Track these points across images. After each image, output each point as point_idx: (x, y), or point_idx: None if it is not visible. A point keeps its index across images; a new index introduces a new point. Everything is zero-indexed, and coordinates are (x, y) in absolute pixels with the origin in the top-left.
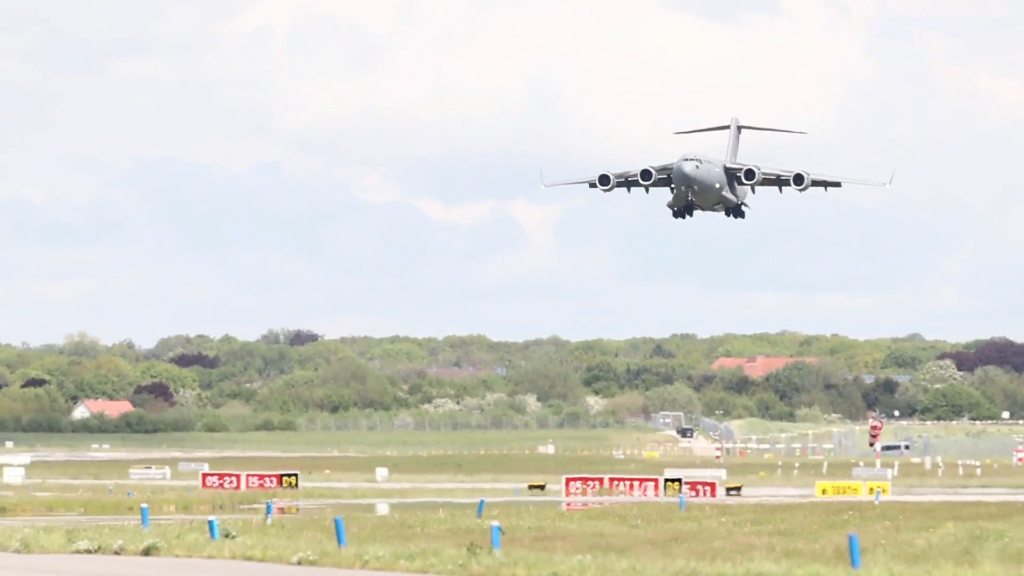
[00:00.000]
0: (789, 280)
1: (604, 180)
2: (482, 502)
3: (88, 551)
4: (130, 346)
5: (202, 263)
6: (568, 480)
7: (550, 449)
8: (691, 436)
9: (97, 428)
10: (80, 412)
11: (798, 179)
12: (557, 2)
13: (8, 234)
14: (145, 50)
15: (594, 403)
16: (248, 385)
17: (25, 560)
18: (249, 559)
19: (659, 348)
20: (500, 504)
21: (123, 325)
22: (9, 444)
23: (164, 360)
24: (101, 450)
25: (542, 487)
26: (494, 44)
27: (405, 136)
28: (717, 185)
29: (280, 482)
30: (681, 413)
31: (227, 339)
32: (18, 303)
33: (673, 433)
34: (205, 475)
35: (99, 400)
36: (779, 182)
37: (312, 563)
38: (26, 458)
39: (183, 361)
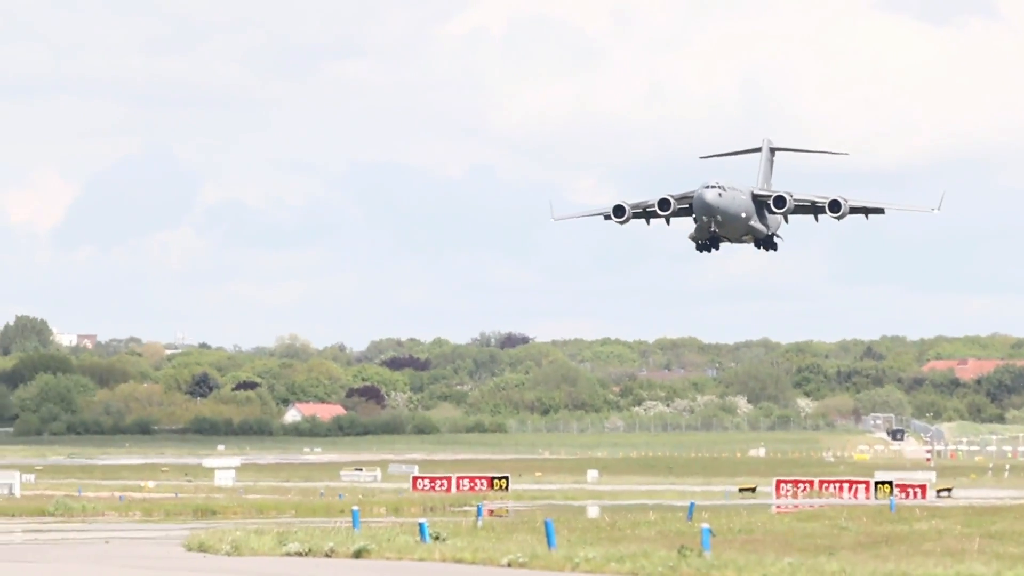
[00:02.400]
0: (1001, 282)
1: (619, 211)
2: (692, 504)
3: (299, 554)
4: (341, 349)
5: (414, 266)
6: (778, 482)
7: (761, 452)
8: (901, 438)
9: (308, 431)
10: (291, 415)
11: (834, 206)
12: (772, 4)
13: (223, 237)
14: (360, 53)
15: (804, 405)
16: (459, 388)
17: (236, 563)
18: (459, 561)
19: (869, 350)
20: (710, 507)
21: (335, 328)
22: (220, 447)
23: (375, 363)
24: (312, 453)
25: (752, 490)
26: (708, 46)
27: (619, 138)
28: (743, 215)
29: (491, 484)
30: (892, 415)
31: (438, 342)
32: (231, 306)
33: (883, 435)
34: (416, 477)
35: (310, 403)
36: (814, 209)
37: (522, 565)
38: (237, 461)
39: (394, 364)
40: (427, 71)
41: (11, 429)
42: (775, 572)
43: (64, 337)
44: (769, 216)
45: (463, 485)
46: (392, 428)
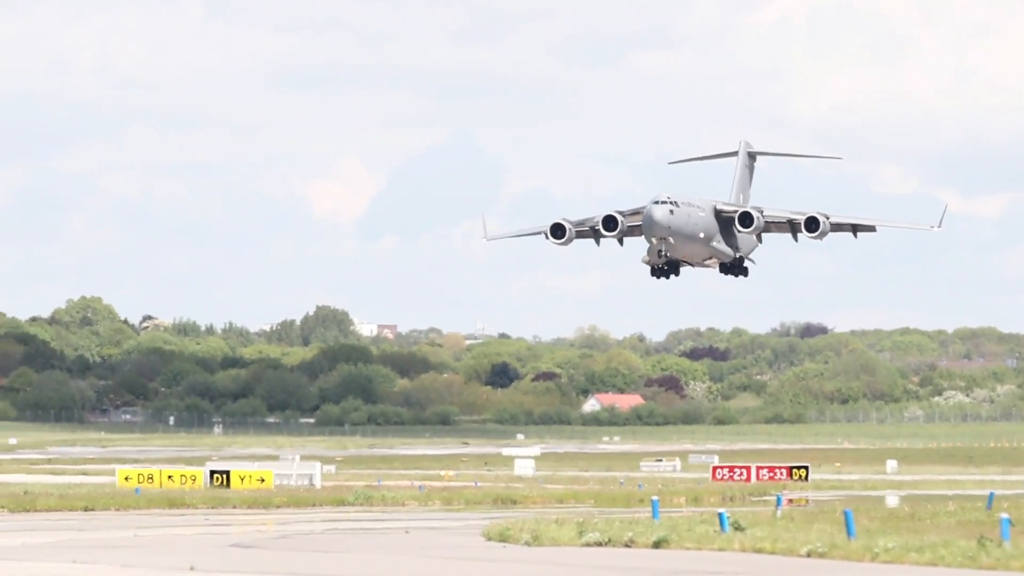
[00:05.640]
0: None
1: (558, 231)
2: (992, 494)
3: (598, 544)
4: (640, 339)
5: None
6: None
7: None
8: None
9: (607, 421)
10: (591, 405)
11: (811, 224)
12: None
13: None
14: (667, 43)
15: None
16: (758, 378)
17: (535, 553)
18: (759, 551)
19: None
20: (1010, 496)
21: (634, 318)
22: (520, 436)
23: (674, 353)
24: (611, 442)
25: None
26: (1016, 33)
27: (925, 126)
28: (701, 235)
29: (790, 474)
30: None
31: (737, 331)
32: (533, 296)
33: None
34: (715, 467)
35: (609, 393)
36: (791, 227)
37: (821, 555)
38: (536, 450)
39: (694, 354)
40: (732, 61)
41: (312, 419)
42: None
43: (364, 327)
44: (739, 236)
45: (763, 475)
46: (691, 418)
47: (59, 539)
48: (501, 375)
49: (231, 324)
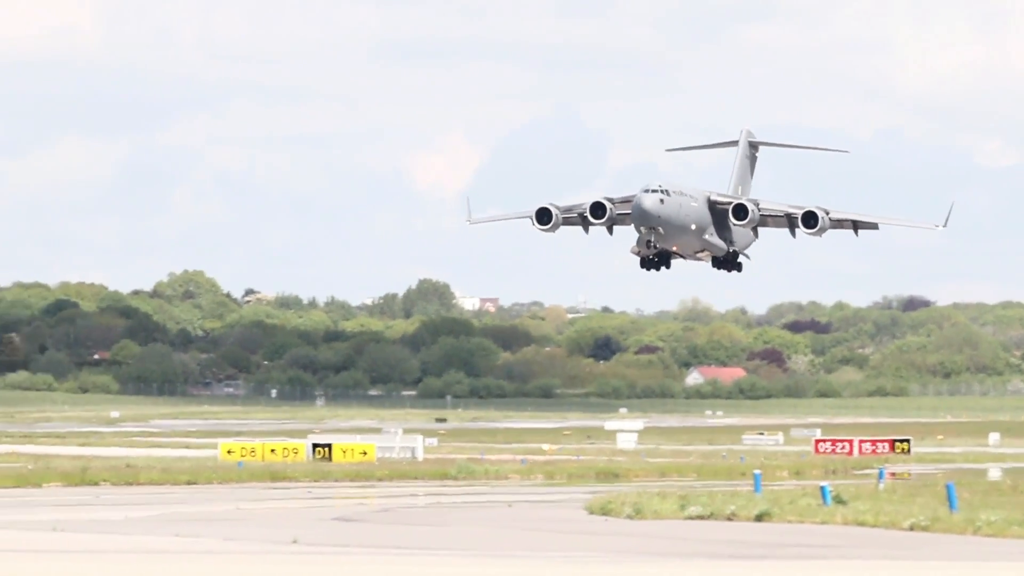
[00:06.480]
0: None
1: (544, 217)
2: None
3: (700, 517)
4: (743, 312)
5: None
6: None
7: None
8: None
9: (710, 394)
10: (693, 378)
11: (809, 219)
12: None
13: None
14: (771, 16)
15: None
16: (860, 351)
17: (637, 526)
18: (860, 524)
19: None
20: None
21: (736, 291)
22: (623, 410)
23: (776, 326)
24: (714, 416)
25: None
26: None
27: None
28: (693, 226)
29: (892, 447)
30: None
31: (839, 305)
32: (635, 270)
33: None
34: (817, 441)
35: (712, 366)
36: (789, 221)
37: (923, 529)
38: (639, 424)
39: (796, 327)
40: (834, 33)
41: (415, 392)
42: None
43: (466, 301)
44: (733, 229)
45: (865, 448)
46: (793, 392)
47: (162, 512)
48: (603, 348)
49: (333, 298)
